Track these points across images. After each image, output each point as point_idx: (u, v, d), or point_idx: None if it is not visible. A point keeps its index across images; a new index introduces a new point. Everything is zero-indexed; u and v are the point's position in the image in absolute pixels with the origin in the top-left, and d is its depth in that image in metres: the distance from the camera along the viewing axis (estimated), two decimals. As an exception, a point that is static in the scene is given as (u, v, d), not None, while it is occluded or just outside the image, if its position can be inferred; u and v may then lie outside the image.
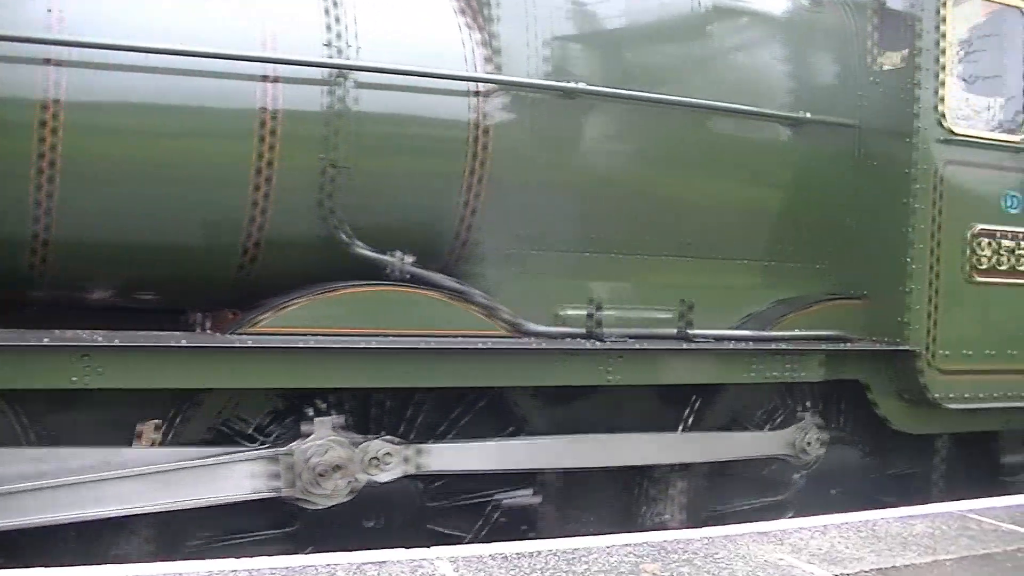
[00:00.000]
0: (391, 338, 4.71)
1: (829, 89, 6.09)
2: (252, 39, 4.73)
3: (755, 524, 5.43)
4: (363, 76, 4.88)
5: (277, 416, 4.92)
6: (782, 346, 5.53)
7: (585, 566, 4.38)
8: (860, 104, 6.04)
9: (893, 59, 5.96)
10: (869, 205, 6.00)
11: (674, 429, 5.66)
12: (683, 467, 5.63)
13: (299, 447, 4.67)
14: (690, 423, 5.67)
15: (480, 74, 5.11)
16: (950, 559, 4.86)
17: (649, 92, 5.41)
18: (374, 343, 4.66)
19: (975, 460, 6.58)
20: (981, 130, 6.10)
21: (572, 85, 5.22)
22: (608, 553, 4.58)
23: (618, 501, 5.67)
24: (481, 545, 4.80)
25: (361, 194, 4.89)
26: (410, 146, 5.02)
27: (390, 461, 4.82)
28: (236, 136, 4.68)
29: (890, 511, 5.79)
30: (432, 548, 4.60)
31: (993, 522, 5.60)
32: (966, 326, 6.05)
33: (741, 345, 5.50)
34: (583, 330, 5.20)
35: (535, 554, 4.51)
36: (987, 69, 6.18)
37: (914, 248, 5.82)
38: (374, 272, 4.94)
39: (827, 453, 6.03)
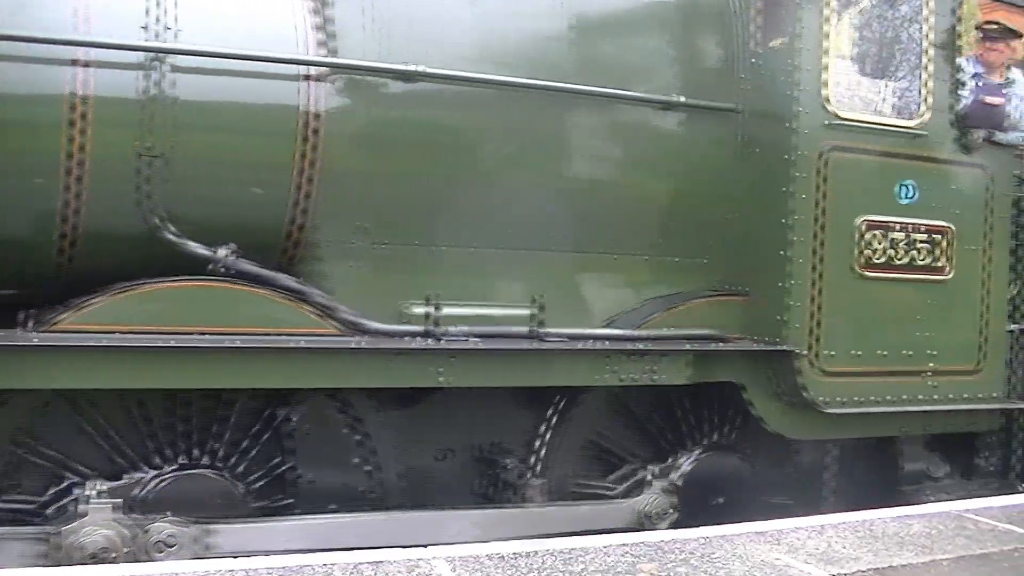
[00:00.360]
0: (187, 336, 4.55)
1: (709, 72, 5.87)
2: (64, 21, 4.61)
3: (752, 524, 5.39)
4: (181, 60, 4.75)
5: None
6: (639, 346, 5.32)
7: (582, 566, 4.44)
8: (743, 87, 5.80)
9: (780, 40, 5.76)
10: (751, 195, 5.76)
11: (536, 431, 5.55)
12: (541, 474, 5.50)
13: (69, 531, 4.47)
14: (551, 428, 5.54)
15: (310, 57, 4.95)
16: (947, 559, 4.88)
17: (498, 75, 5.25)
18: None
19: (875, 466, 6.36)
20: (875, 115, 5.88)
21: (411, 68, 5.05)
22: (605, 553, 4.64)
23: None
24: (478, 545, 4.79)
25: (182, 184, 4.78)
26: (234, 133, 4.90)
27: (175, 544, 4.61)
28: (45, 123, 4.56)
29: (887, 511, 5.75)
30: (429, 547, 4.65)
31: (990, 522, 5.60)
32: (855, 325, 5.80)
33: (598, 345, 5.30)
34: (424, 328, 5.06)
35: (532, 554, 4.57)
36: (883, 52, 5.96)
37: (794, 241, 5.57)
38: (199, 267, 4.81)
39: (707, 460, 5.86)
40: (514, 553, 4.57)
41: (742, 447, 6.04)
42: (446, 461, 5.51)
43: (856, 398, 5.80)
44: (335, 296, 5.06)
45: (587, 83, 5.48)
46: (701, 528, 5.24)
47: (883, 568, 4.69)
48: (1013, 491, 6.45)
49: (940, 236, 6.02)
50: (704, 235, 5.85)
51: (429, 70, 5.09)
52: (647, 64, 5.74)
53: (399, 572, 4.23)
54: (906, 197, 5.91)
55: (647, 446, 5.89)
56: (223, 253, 4.82)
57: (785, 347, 5.56)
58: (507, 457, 5.49)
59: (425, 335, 5.01)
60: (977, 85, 6.15)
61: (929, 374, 6.03)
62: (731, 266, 5.85)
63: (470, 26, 5.35)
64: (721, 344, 5.59)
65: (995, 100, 6.11)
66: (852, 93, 5.80)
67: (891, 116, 5.97)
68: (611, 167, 5.63)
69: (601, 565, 4.47)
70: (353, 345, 4.80)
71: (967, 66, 6.16)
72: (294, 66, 4.95)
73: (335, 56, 5.05)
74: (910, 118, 6.00)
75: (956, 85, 6.06)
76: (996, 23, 6.22)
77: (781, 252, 5.60)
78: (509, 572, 4.33)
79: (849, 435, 6.02)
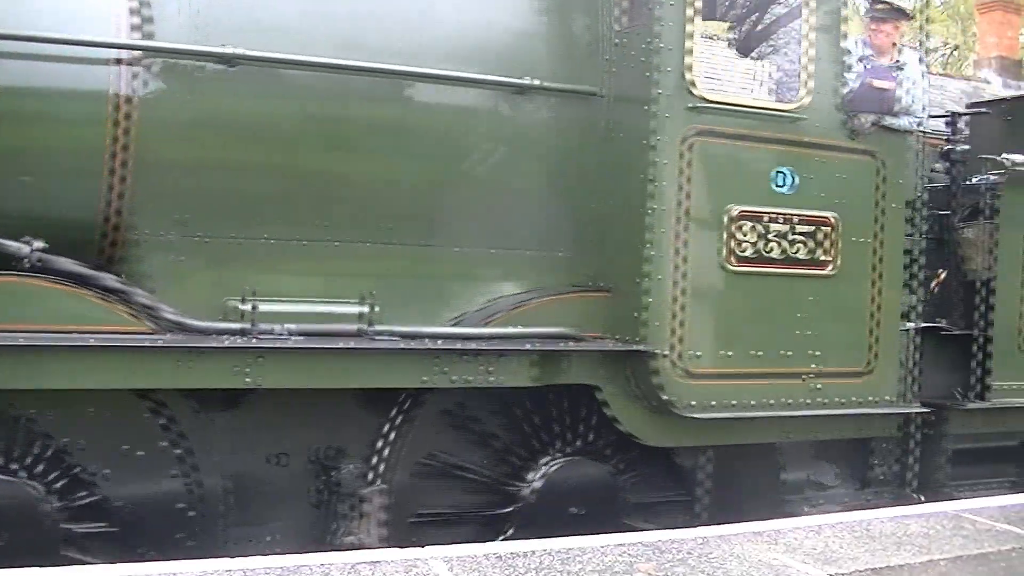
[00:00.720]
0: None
1: (571, 53, 5.61)
2: None
3: (749, 524, 5.41)
4: (-24, 43, 4.65)
5: None
6: (471, 346, 5.11)
7: (579, 566, 4.51)
8: (607, 70, 5.54)
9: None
10: (614, 184, 5.50)
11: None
12: (382, 481, 5.28)
13: None
14: (395, 430, 5.32)
15: (122, 40, 4.79)
16: (944, 559, 4.93)
17: (328, 58, 5.03)
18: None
19: (757, 474, 6.06)
20: (749, 97, 5.63)
21: (230, 51, 4.85)
22: (602, 552, 4.70)
23: (305, 519, 5.30)
24: (475, 545, 4.84)
25: (-18, 173, 4.66)
26: (41, 120, 4.75)
27: None
28: None
29: (884, 511, 5.78)
30: (427, 548, 4.69)
31: (988, 522, 5.62)
32: (725, 323, 5.52)
33: (429, 344, 5.05)
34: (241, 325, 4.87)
35: (529, 554, 4.63)
36: (759, 30, 5.70)
37: (653, 232, 5.30)
38: (3, 263, 4.66)
39: (567, 468, 5.60)
40: (511, 552, 4.63)
41: (607, 453, 5.76)
42: (280, 466, 5.29)
43: (726, 402, 5.52)
44: (156, 292, 4.88)
45: (433, 66, 5.25)
46: (699, 528, 5.30)
47: (881, 568, 4.72)
48: (909, 501, 6.17)
49: (823, 228, 5.73)
50: (567, 228, 5.60)
51: (249, 53, 4.90)
52: (501, 45, 5.51)
53: (396, 572, 4.29)
54: (784, 186, 5.63)
55: (511, 448, 5.65)
56: (28, 247, 4.68)
57: (640, 347, 5.30)
58: (346, 462, 5.26)
59: (242, 333, 4.85)
60: (865, 67, 5.88)
61: (811, 376, 5.74)
62: (597, 261, 5.58)
63: (300, 9, 5.15)
64: (571, 344, 5.33)
65: (884, 84, 5.84)
66: (723, 74, 5.56)
67: (769, 98, 5.71)
68: (459, 156, 5.40)
69: (599, 565, 4.52)
70: (148, 343, 4.62)
71: (854, 47, 5.90)
72: (105, 50, 4.77)
73: (151, 39, 4.89)
74: (789, 101, 5.73)
75: (841, 67, 5.79)
76: (883, 2, 5.95)
77: (639, 245, 5.35)
78: (507, 572, 4.38)
79: (722, 441, 5.73)
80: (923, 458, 6.35)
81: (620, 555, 4.65)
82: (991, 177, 6.57)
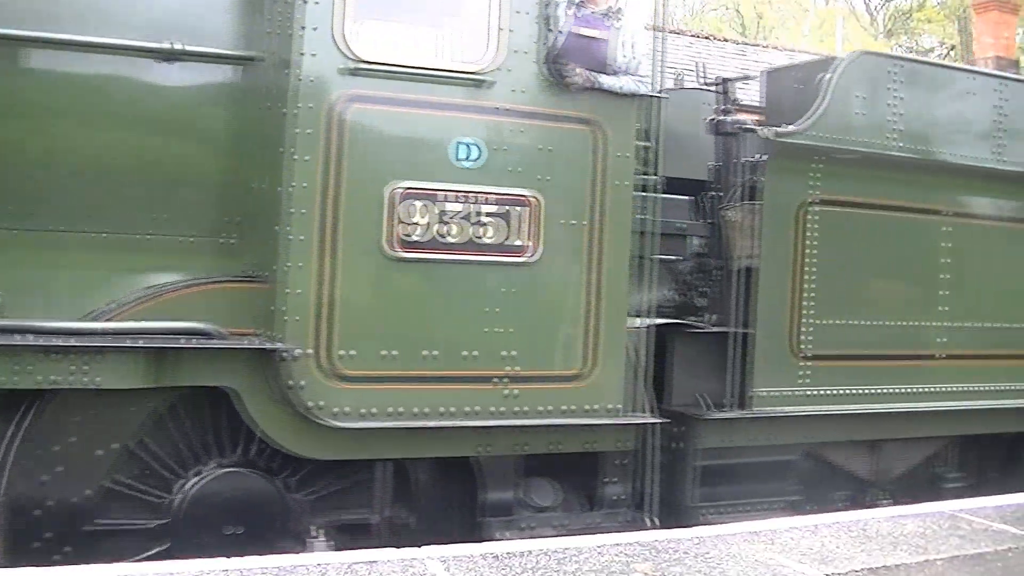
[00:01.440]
0: None
1: (231, 13, 5.02)
2: None
3: (746, 523, 5.42)
4: None
5: None
6: (58, 342, 4.44)
7: (576, 566, 4.55)
8: (270, 31, 4.89)
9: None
10: (272, 160, 4.89)
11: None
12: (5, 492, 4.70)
13: None
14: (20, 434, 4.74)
15: None
16: (941, 559, 5.00)
17: None
18: None
19: (445, 493, 5.36)
20: (426, 57, 4.94)
21: None
22: (599, 553, 4.74)
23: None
24: (472, 544, 4.81)
25: None
26: None
27: None
28: None
29: (881, 510, 5.89)
30: (423, 548, 4.68)
31: (984, 521, 5.70)
32: (387, 318, 4.85)
33: (17, 339, 4.43)
34: None
35: (526, 554, 4.66)
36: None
37: (293, 213, 4.67)
38: None
39: (222, 480, 4.96)
40: (508, 552, 4.65)
41: (269, 464, 5.12)
42: None
43: (391, 409, 4.83)
44: None
45: (63, 31, 4.70)
46: (696, 528, 5.28)
47: (877, 568, 4.76)
48: (642, 527, 5.37)
49: (519, 208, 5.00)
50: (231, 211, 5.01)
51: None
52: (150, 5, 4.93)
53: (393, 571, 4.31)
54: (467, 159, 4.92)
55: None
56: None
57: (268, 345, 4.64)
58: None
59: None
60: (576, 16, 5.12)
61: (506, 380, 5.02)
62: (262, 247, 4.94)
63: None
64: (195, 341, 4.66)
65: (594, 32, 5.06)
66: (392, 31, 4.89)
67: (453, 58, 5.01)
68: (94, 131, 4.86)
69: (595, 565, 4.55)
70: None
71: (562, -5, 5.14)
72: None
73: None
74: (473, 62, 4.96)
75: (545, 21, 5.05)
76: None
77: (277, 227, 4.72)
78: (503, 571, 4.40)
79: (392, 454, 5.03)
80: (667, 476, 5.54)
81: (617, 555, 4.66)
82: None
